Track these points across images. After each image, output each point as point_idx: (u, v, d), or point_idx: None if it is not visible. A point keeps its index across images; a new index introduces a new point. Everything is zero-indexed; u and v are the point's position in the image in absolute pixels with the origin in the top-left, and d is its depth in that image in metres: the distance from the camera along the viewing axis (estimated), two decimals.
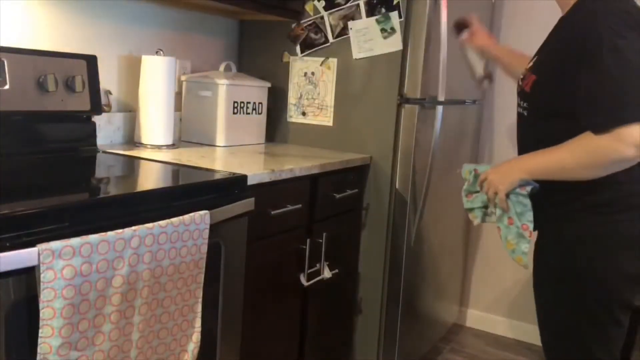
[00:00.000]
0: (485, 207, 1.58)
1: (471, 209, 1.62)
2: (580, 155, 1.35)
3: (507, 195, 1.46)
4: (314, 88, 2.30)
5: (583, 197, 1.40)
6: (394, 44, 2.12)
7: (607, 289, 1.41)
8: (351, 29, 2.18)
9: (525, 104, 1.50)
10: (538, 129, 1.48)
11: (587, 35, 1.32)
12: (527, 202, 1.44)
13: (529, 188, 1.44)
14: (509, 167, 1.47)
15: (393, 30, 2.11)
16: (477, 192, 1.58)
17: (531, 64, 1.52)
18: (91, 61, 1.76)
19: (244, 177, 1.55)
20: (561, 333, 1.49)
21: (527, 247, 1.46)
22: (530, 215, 1.45)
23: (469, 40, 1.89)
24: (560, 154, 1.38)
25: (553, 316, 1.50)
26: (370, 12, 2.15)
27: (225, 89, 2.08)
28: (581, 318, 1.44)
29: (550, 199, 1.45)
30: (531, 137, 1.51)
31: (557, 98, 1.40)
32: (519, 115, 1.55)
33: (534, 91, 1.45)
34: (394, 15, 2.10)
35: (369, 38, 2.16)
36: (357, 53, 2.19)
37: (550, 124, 1.43)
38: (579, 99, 1.34)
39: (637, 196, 1.39)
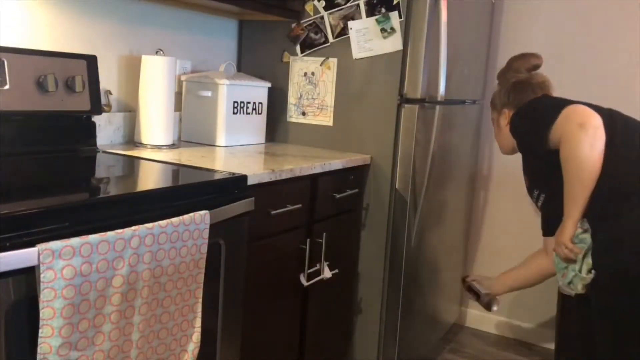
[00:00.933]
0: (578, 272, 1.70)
1: (570, 283, 1.71)
2: (571, 167, 1.59)
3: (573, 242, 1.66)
4: (314, 88, 2.29)
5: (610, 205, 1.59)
6: (394, 44, 2.12)
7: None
8: (351, 28, 2.18)
9: (536, 192, 1.82)
10: (553, 183, 1.70)
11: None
12: (585, 236, 1.63)
13: (585, 225, 1.63)
14: (561, 225, 1.68)
15: (393, 30, 2.11)
16: (565, 267, 1.72)
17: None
18: (91, 61, 1.76)
19: (244, 177, 1.55)
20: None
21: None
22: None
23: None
24: (567, 184, 1.61)
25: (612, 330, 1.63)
26: (370, 12, 2.15)
27: (225, 89, 2.08)
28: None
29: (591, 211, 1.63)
30: (553, 206, 1.75)
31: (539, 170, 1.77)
32: (541, 206, 1.83)
33: (532, 181, 1.83)
34: (394, 15, 2.10)
35: (368, 38, 2.16)
36: (357, 53, 2.19)
37: (548, 162, 1.70)
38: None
39: None
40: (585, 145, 1.55)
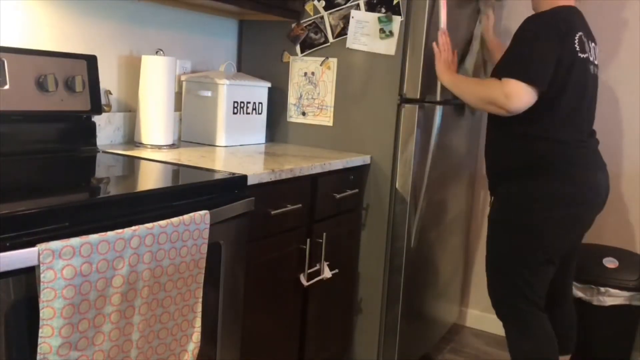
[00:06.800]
0: None
1: None
2: (479, 87, 1.94)
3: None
4: (314, 88, 2.29)
5: (513, 166, 1.91)
6: (388, 47, 2.12)
7: (526, 231, 1.88)
8: (353, 17, 2.17)
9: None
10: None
11: (521, 29, 1.88)
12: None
13: None
14: (442, 71, 2.09)
15: (391, 34, 2.11)
16: None
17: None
18: (91, 61, 1.76)
19: (244, 177, 1.55)
20: (494, 269, 1.99)
21: None
22: None
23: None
24: (471, 82, 2.03)
25: (490, 256, 1.99)
26: (370, 12, 2.15)
27: (225, 89, 2.08)
28: (506, 254, 1.93)
29: (496, 168, 2.00)
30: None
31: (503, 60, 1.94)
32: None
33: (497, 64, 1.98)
34: (397, 19, 2.10)
35: (365, 32, 2.16)
36: (351, 43, 2.19)
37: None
38: None
39: (552, 163, 1.85)
40: (480, 104, 1.92)
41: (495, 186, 1.99)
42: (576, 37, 1.83)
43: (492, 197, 2.02)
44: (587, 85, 1.88)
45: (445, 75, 2.07)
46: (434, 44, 2.10)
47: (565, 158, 1.85)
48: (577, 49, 1.82)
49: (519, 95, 1.78)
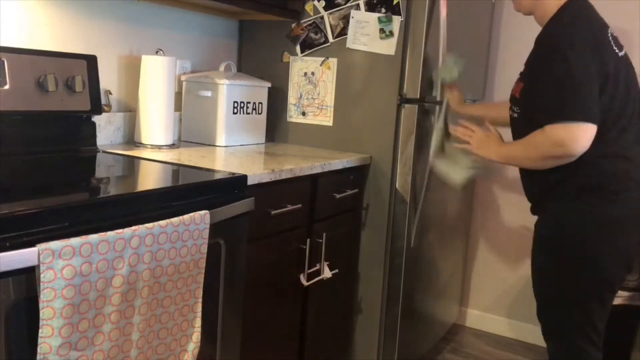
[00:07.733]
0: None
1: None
2: (527, 149, 1.64)
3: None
4: (314, 88, 2.29)
5: (565, 182, 1.62)
6: (389, 48, 2.12)
7: (586, 264, 1.62)
8: (352, 17, 2.17)
9: (516, 108, 1.71)
10: (528, 130, 1.64)
11: (548, 47, 1.60)
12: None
13: None
14: (484, 153, 1.83)
15: (391, 34, 2.11)
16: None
17: (521, 72, 1.73)
18: (91, 61, 1.76)
19: (244, 177, 1.55)
20: (550, 302, 1.72)
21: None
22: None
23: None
24: (517, 147, 1.70)
25: (544, 287, 1.73)
26: (370, 12, 2.15)
27: (225, 89, 2.08)
28: (565, 289, 1.66)
29: (544, 184, 1.69)
30: (522, 137, 1.68)
31: (539, 102, 1.61)
32: (512, 118, 1.76)
33: (522, 96, 1.68)
34: (397, 19, 2.10)
35: (366, 33, 2.16)
36: (352, 43, 2.19)
37: (537, 124, 1.60)
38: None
39: (610, 184, 1.59)
40: (541, 164, 1.62)
41: (541, 208, 1.74)
42: (609, 36, 1.61)
43: (538, 219, 1.76)
44: (632, 84, 1.65)
45: (490, 155, 1.80)
46: (454, 145, 1.96)
47: (630, 175, 1.61)
48: (616, 50, 1.61)
49: (573, 138, 1.51)
